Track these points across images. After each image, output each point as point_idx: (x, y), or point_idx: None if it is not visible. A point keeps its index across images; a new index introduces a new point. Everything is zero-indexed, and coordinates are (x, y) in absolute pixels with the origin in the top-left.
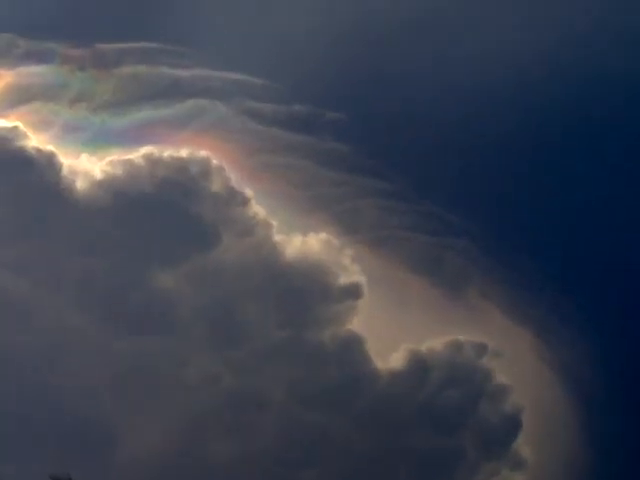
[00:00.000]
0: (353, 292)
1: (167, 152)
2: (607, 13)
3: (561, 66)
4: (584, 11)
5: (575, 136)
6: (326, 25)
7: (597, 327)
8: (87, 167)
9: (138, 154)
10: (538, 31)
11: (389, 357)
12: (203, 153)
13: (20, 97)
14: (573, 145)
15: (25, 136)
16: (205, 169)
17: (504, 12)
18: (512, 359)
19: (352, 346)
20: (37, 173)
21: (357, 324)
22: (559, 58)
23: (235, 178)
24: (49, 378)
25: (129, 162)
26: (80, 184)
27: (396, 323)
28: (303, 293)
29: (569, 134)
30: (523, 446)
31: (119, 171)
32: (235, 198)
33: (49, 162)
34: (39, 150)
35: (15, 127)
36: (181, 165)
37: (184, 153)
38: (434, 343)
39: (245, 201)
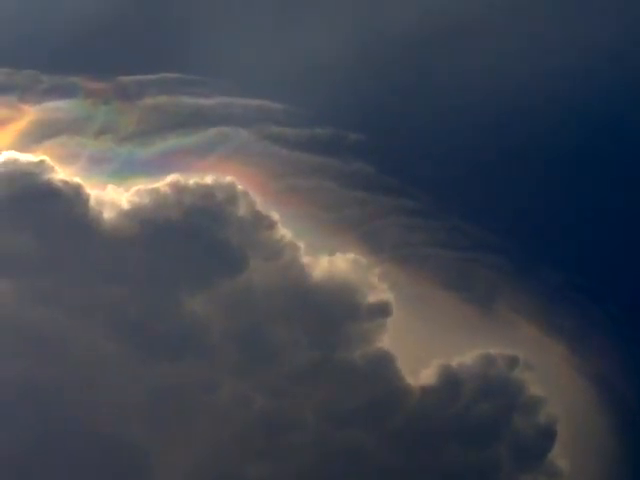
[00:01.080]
0: (382, 310)
1: (192, 179)
2: (624, 19)
3: (583, 75)
4: (600, 18)
5: (603, 145)
6: (344, 47)
7: (630, 336)
8: (114, 197)
9: (164, 183)
10: (558, 42)
11: (420, 373)
12: (228, 179)
13: (46, 132)
14: (602, 154)
15: (52, 169)
16: (230, 194)
17: (522, 24)
18: (544, 371)
19: (383, 364)
20: (65, 205)
21: (387, 342)
22: (579, 68)
23: (260, 202)
24: (83, 407)
25: (155, 191)
26: (107, 214)
27: (426, 339)
28: (332, 313)
29: (597, 143)
30: (559, 457)
31: (146, 200)
32: (261, 222)
33: (76, 194)
34: (66, 182)
35: (42, 161)
36: (207, 191)
37: (209, 180)
38: (465, 358)
39: (271, 224)
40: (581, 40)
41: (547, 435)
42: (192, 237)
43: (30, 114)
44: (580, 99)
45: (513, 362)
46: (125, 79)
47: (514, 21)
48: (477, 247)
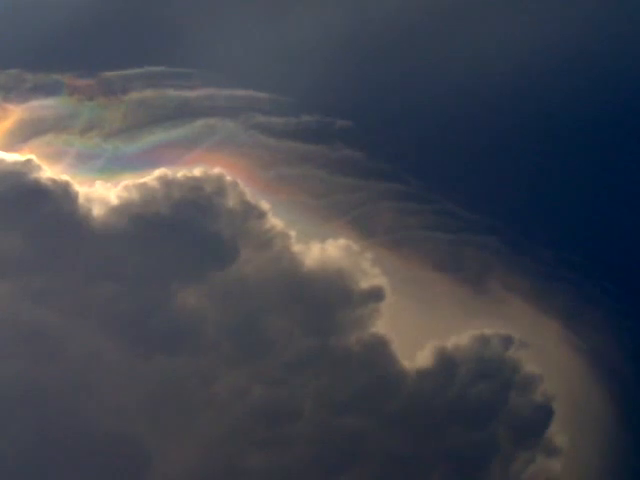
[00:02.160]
0: (375, 295)
1: (180, 172)
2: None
3: (570, 60)
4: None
5: (591, 128)
6: (328, 34)
7: (624, 311)
8: (103, 194)
9: (152, 177)
10: (545, 30)
11: (416, 356)
12: (216, 170)
13: (32, 130)
14: (590, 136)
15: (39, 168)
16: (219, 186)
17: (508, 12)
18: (540, 349)
19: (378, 348)
20: (53, 203)
21: (382, 326)
22: (567, 54)
23: (250, 192)
24: (80, 405)
25: (143, 185)
26: (97, 211)
27: (420, 322)
28: (326, 300)
29: (585, 126)
30: (557, 433)
31: (134, 195)
32: (251, 212)
33: (65, 192)
34: (54, 181)
35: (29, 160)
36: (195, 184)
37: (197, 172)
38: (460, 338)
39: (261, 214)
40: (576, 29)
41: (544, 412)
42: (182, 230)
43: (15, 113)
44: (570, 85)
45: (508, 341)
46: (109, 74)
47: (502, 8)
48: (468, 228)
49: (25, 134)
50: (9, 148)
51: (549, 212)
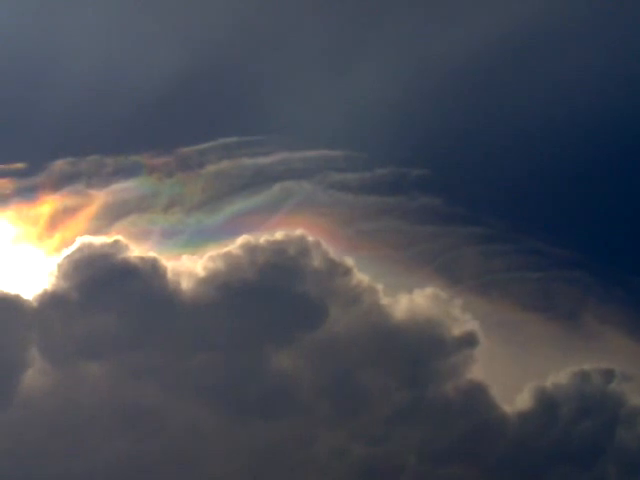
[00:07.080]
0: (468, 341)
1: (263, 238)
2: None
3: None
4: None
5: None
6: (393, 86)
7: None
8: (189, 267)
9: (235, 245)
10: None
11: (515, 399)
12: (298, 232)
13: (116, 213)
14: None
15: (127, 248)
16: (302, 247)
17: (574, 55)
18: None
19: (476, 395)
20: (143, 280)
21: (477, 372)
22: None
23: (333, 250)
24: (183, 477)
25: (228, 254)
26: (185, 284)
27: (517, 364)
28: (419, 351)
29: None
30: None
31: (220, 265)
32: (337, 270)
33: (153, 268)
34: (142, 258)
35: (116, 241)
36: (278, 248)
37: (279, 235)
38: (559, 377)
39: (347, 271)
40: None
41: None
42: (270, 294)
43: (99, 198)
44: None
45: (609, 375)
46: (185, 150)
47: (568, 56)
48: (555, 265)
49: (110, 217)
50: (96, 232)
51: (636, 241)
